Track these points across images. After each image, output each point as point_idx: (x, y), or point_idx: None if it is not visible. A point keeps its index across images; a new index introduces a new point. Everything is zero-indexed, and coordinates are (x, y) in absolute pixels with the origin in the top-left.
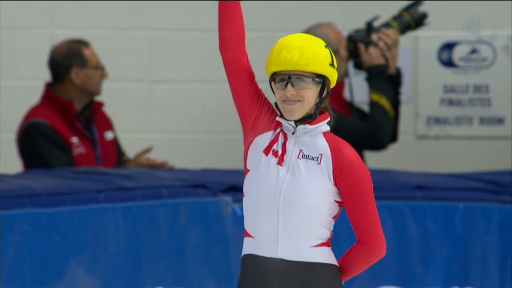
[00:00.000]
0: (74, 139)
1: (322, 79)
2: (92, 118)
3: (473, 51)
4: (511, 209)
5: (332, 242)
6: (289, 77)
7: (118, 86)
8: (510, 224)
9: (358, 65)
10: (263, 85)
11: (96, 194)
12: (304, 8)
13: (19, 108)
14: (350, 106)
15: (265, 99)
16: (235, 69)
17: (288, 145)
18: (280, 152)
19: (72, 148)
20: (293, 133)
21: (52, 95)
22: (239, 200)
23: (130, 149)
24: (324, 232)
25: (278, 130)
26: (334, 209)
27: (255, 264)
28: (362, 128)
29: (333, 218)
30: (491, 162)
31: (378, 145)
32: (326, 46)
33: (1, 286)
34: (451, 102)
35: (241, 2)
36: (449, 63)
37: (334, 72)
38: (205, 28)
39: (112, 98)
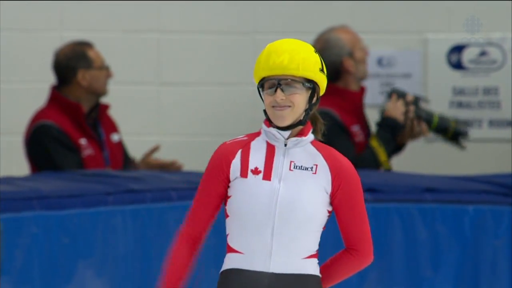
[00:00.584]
0: (83, 141)
1: (312, 85)
2: (98, 120)
3: (483, 53)
4: None
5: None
6: (279, 82)
7: (126, 89)
8: None
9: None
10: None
11: (105, 196)
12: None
13: (29, 111)
14: (365, 119)
15: (224, 172)
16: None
17: (276, 157)
18: (261, 168)
19: (80, 150)
20: (285, 145)
21: (59, 97)
22: None
23: (139, 152)
24: (315, 244)
25: (241, 149)
26: (325, 219)
27: (243, 279)
28: (350, 155)
29: (323, 228)
30: (501, 165)
31: None
32: (315, 51)
33: None
34: (460, 105)
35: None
36: (458, 66)
37: (324, 78)
38: (214, 31)
39: (120, 101)
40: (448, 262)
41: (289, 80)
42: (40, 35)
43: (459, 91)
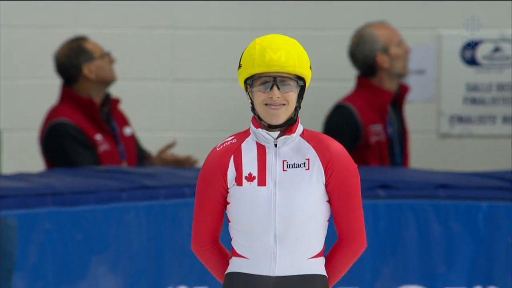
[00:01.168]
0: (98, 136)
1: (303, 82)
2: (111, 114)
3: (496, 49)
4: None
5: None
6: (275, 79)
7: (140, 85)
8: None
9: None
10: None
11: (119, 193)
12: (327, 5)
13: (43, 107)
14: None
15: (222, 180)
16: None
17: (268, 159)
18: (255, 173)
19: (97, 146)
20: (275, 145)
21: (72, 94)
22: None
23: (153, 148)
24: (320, 241)
25: (233, 155)
26: (328, 210)
27: (249, 282)
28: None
29: (327, 220)
30: None
31: None
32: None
33: (24, 285)
34: (474, 101)
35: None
36: (472, 62)
37: (311, 75)
38: (228, 27)
39: (134, 97)
40: (462, 258)
41: (285, 77)
42: (55, 31)
43: (472, 87)
